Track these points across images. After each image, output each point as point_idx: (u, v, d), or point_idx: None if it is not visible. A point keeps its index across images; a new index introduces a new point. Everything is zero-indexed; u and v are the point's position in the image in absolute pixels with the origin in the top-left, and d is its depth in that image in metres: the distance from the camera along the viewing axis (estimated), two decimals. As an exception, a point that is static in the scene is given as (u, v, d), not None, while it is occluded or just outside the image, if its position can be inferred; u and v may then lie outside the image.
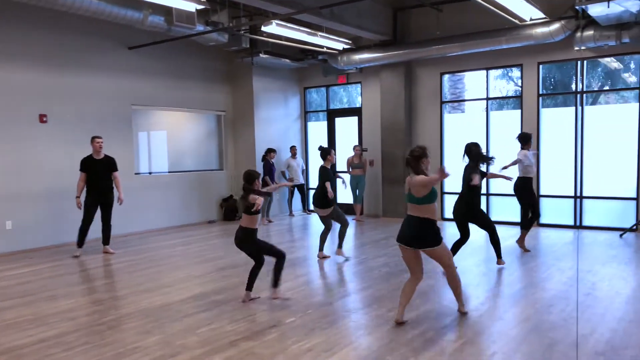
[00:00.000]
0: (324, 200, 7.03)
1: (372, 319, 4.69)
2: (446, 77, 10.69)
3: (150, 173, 10.55)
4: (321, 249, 7.25)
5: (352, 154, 10.96)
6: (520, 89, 9.75)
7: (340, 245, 7.26)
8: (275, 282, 5.25)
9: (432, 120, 10.69)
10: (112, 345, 4.17)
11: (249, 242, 5.12)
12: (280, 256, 5.17)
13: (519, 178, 7.38)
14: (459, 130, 10.60)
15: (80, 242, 7.75)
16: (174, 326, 4.59)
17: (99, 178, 7.73)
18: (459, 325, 4.48)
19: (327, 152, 7.23)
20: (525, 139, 7.43)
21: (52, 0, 6.84)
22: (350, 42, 10.48)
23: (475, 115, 10.45)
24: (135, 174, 9.96)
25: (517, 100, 9.89)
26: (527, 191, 7.38)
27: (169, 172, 10.85)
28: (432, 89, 10.66)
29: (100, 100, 9.22)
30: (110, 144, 9.29)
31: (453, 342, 4.08)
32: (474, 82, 10.67)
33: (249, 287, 5.23)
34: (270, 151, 10.99)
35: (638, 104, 8.62)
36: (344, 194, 11.68)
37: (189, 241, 8.97)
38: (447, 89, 10.88)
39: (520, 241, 7.44)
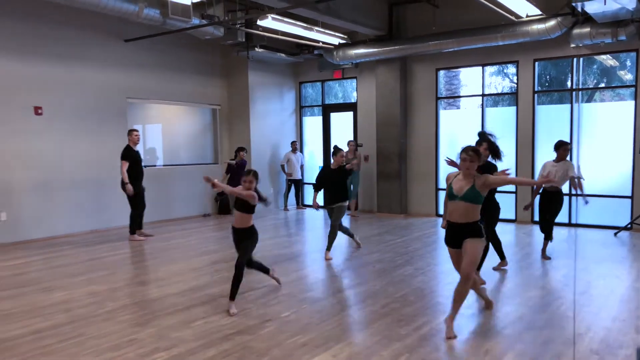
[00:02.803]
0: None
1: (366, 314, 4.71)
2: (442, 73, 10.70)
3: (145, 166, 10.48)
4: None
5: (347, 149, 10.96)
6: (515, 85, 9.77)
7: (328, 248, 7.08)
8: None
9: (427, 116, 10.70)
10: (107, 337, 4.17)
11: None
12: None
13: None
14: (454, 126, 10.63)
15: (140, 225, 8.49)
16: (168, 319, 4.59)
17: (138, 167, 8.30)
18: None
19: (335, 152, 7.19)
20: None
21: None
22: (346, 37, 10.47)
23: (471, 111, 10.47)
24: (130, 167, 9.92)
25: (512, 97, 9.91)
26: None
27: (164, 165, 10.81)
28: (428, 85, 10.66)
29: (96, 92, 9.16)
30: (106, 136, 9.26)
31: (447, 339, 4.10)
32: (469, 78, 10.67)
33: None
34: (240, 150, 10.57)
35: (634, 101, 8.66)
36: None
37: (184, 234, 8.95)
38: (443, 85, 10.88)
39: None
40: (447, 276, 5.99)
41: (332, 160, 7.21)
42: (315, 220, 10.61)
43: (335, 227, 7.04)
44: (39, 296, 5.35)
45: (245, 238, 4.92)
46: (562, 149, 6.63)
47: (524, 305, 4.89)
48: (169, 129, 11.25)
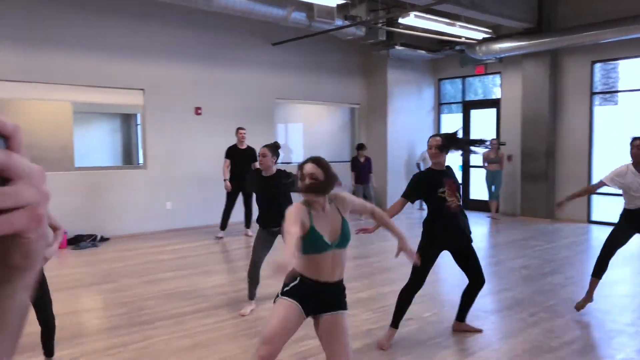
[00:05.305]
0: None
1: (513, 322, 4.52)
2: (597, 65, 9.80)
3: (287, 163, 11.07)
4: None
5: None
6: (690, 78, 8.64)
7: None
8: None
9: (580, 113, 9.88)
10: (257, 321, 4.50)
11: None
12: None
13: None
14: (610, 123, 9.70)
15: (223, 225, 8.35)
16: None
17: (240, 166, 8.18)
18: (616, 339, 4.15)
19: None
20: None
21: (208, 3, 7.47)
22: (490, 31, 10.05)
23: (631, 107, 9.47)
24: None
25: (685, 91, 8.78)
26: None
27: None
28: (581, 79, 9.84)
29: (246, 93, 9.86)
30: (254, 135, 9.89)
31: (609, 358, 3.80)
32: (629, 70, 9.65)
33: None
34: (360, 147, 10.32)
35: None
36: (479, 190, 11.31)
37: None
38: (598, 79, 9.97)
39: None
40: (604, 288, 5.52)
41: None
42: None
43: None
44: (199, 278, 5.93)
45: None
46: (633, 145, 4.36)
47: (576, 323, 4.35)
48: (309, 128, 11.74)
